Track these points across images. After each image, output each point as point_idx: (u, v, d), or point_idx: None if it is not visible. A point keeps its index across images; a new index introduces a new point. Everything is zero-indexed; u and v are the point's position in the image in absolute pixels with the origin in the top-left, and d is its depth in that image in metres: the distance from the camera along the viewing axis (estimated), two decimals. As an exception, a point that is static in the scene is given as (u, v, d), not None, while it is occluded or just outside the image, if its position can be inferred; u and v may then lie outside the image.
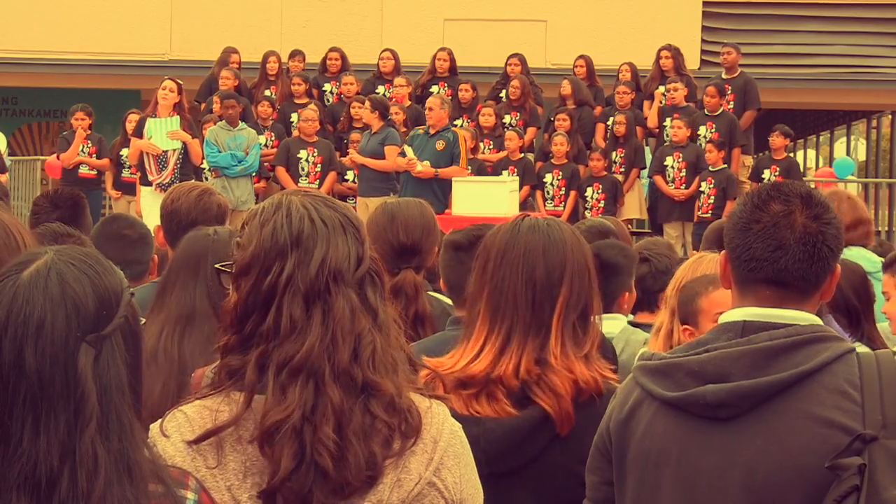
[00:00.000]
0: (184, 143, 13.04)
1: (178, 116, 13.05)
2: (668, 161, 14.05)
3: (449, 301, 4.34)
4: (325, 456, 2.16)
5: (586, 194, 14.22)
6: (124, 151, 14.05)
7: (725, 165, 13.83)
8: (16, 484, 1.76)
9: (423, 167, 12.71)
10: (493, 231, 3.10)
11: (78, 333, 1.81)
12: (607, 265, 4.76)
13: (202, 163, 13.56)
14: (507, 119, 15.00)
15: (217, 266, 2.46)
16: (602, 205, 14.02)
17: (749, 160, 14.59)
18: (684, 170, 13.92)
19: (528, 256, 3.00)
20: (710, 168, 13.76)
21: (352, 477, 2.17)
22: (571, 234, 3.08)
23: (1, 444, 1.77)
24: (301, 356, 2.20)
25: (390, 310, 2.32)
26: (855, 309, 4.63)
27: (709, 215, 13.54)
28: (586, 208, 14.08)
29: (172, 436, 2.19)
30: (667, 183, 14.03)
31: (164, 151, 13.00)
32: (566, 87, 15.00)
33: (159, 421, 2.23)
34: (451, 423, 2.32)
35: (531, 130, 15.03)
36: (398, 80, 15.11)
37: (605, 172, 14.24)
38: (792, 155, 16.18)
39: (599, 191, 14.13)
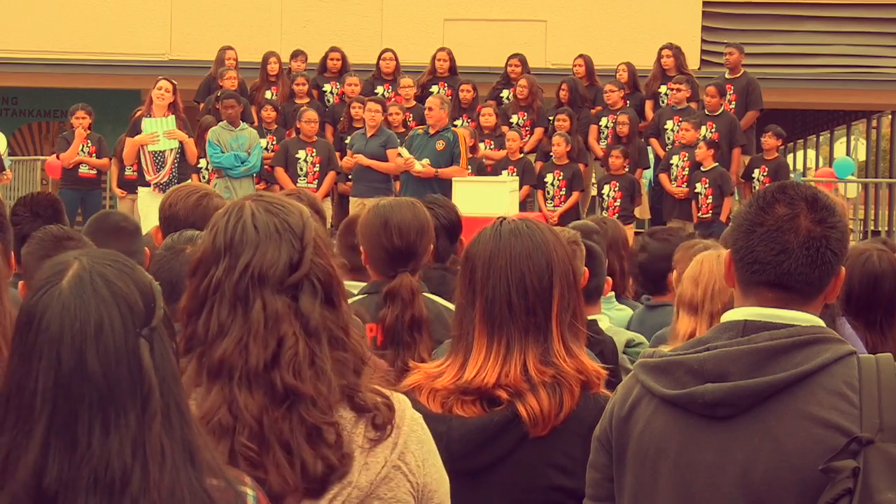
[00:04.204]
0: (180, 143, 13.05)
1: (174, 116, 13.06)
2: (675, 160, 14.06)
3: (444, 302, 4.32)
4: (242, 462, 2.22)
5: (603, 192, 14.16)
6: (128, 150, 14.06)
7: (717, 164, 13.82)
8: (86, 487, 1.78)
9: (422, 166, 12.71)
10: (475, 239, 3.08)
11: (136, 330, 1.84)
12: (595, 258, 4.79)
13: (198, 162, 13.56)
14: (514, 119, 14.98)
15: None
16: (619, 203, 13.95)
17: (749, 160, 14.60)
18: (688, 169, 13.92)
19: (513, 262, 2.99)
20: (702, 168, 13.77)
21: (292, 483, 2.24)
22: (552, 235, 3.08)
23: (68, 452, 1.79)
24: (216, 358, 2.27)
25: (341, 316, 2.36)
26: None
27: (708, 215, 13.55)
28: (603, 207, 14.02)
29: None
30: (671, 181, 14.04)
31: (161, 151, 13.00)
32: (563, 91, 14.99)
33: None
34: (412, 412, 2.42)
35: (538, 131, 14.96)
36: (404, 81, 15.11)
37: (626, 171, 14.13)
38: (791, 155, 16.18)
39: (616, 188, 14.05)
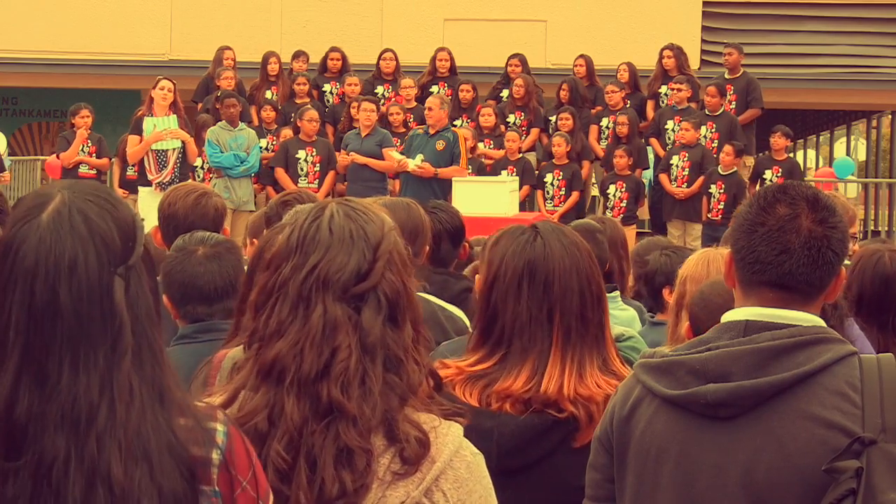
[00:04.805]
0: (182, 143, 13.06)
1: (175, 115, 13.06)
2: (674, 160, 14.05)
3: (440, 302, 4.28)
4: (271, 471, 2.15)
5: (608, 192, 14.10)
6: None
7: (735, 170, 13.81)
8: (54, 422, 1.79)
9: (417, 164, 12.68)
10: (536, 250, 3.01)
11: (111, 268, 1.84)
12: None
13: (196, 162, 13.56)
14: (510, 119, 14.97)
15: None
16: (624, 204, 13.90)
17: (750, 160, 14.59)
18: (687, 169, 13.91)
19: (580, 274, 2.99)
20: (721, 171, 13.74)
21: (310, 500, 2.17)
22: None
23: (38, 386, 1.79)
24: (270, 358, 2.21)
25: (402, 337, 2.25)
26: None
27: (718, 219, 13.52)
28: (608, 207, 13.99)
29: None
30: (670, 181, 14.03)
31: (164, 150, 13.01)
32: (564, 91, 14.97)
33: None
34: (457, 446, 2.25)
35: (534, 131, 14.96)
36: (405, 82, 15.10)
37: (630, 171, 14.09)
38: (792, 155, 16.18)
39: (623, 189, 13.99)
